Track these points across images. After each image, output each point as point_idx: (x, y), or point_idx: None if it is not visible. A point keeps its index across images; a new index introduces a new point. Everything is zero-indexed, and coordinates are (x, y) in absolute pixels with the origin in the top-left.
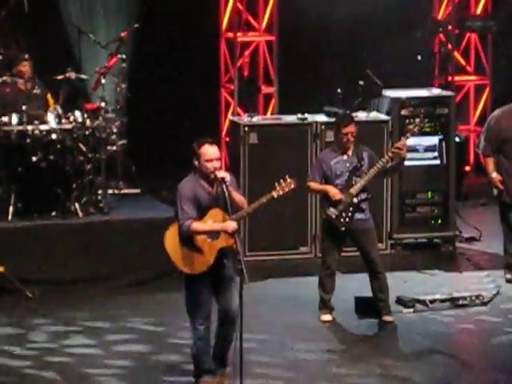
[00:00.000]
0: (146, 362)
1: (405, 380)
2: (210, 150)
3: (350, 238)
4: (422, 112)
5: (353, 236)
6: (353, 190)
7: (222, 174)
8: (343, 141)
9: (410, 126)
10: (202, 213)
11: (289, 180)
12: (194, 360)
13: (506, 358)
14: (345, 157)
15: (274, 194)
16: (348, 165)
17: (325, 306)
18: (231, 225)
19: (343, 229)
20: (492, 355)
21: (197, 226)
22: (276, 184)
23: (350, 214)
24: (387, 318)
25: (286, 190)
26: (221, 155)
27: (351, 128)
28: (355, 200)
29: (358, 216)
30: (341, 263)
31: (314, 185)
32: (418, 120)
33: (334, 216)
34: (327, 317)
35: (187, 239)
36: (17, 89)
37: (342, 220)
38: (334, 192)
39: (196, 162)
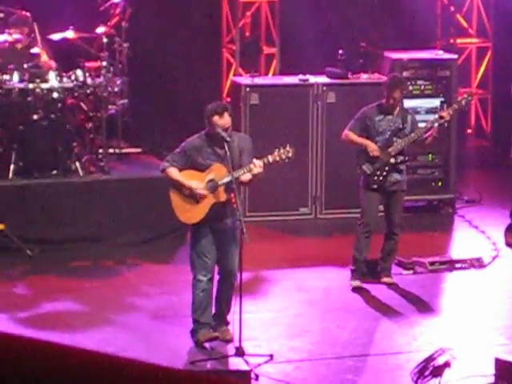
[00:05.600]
0: (146, 317)
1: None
2: (220, 122)
3: (384, 197)
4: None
5: (387, 195)
6: (391, 150)
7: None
8: (390, 102)
9: (459, 98)
10: (200, 168)
11: (288, 148)
12: (194, 313)
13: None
14: (389, 116)
15: (270, 158)
16: (391, 124)
17: (356, 270)
18: (195, 185)
19: (375, 186)
20: (487, 318)
21: (172, 171)
22: (276, 149)
23: (384, 174)
24: (387, 280)
25: (283, 157)
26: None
27: (397, 93)
28: (392, 160)
29: (396, 177)
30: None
31: (353, 136)
32: (466, 94)
33: (368, 172)
34: (356, 283)
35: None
36: (15, 48)
37: (375, 178)
38: (373, 148)
39: (207, 124)
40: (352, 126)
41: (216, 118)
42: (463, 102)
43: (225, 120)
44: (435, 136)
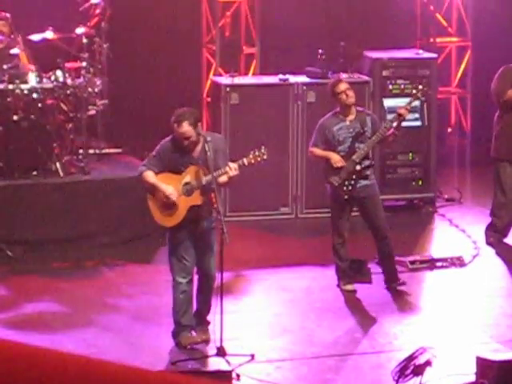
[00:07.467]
0: (128, 318)
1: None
2: (178, 131)
3: (355, 205)
4: (405, 74)
5: (358, 203)
6: (355, 157)
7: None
8: (342, 99)
9: (414, 91)
10: (177, 170)
11: (263, 150)
12: (175, 315)
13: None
14: (347, 122)
15: (245, 160)
16: (351, 130)
17: (344, 275)
18: (169, 190)
19: (346, 197)
20: (471, 316)
21: (148, 175)
22: (251, 152)
23: (352, 182)
24: (399, 287)
25: (258, 159)
26: (192, 132)
27: (344, 85)
28: (358, 167)
29: (363, 183)
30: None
31: (316, 151)
32: (420, 86)
33: (336, 184)
34: (350, 286)
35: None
36: None
37: (344, 188)
38: (335, 159)
39: None
40: (314, 142)
41: (175, 127)
42: (419, 95)
43: (183, 129)
44: (397, 134)
